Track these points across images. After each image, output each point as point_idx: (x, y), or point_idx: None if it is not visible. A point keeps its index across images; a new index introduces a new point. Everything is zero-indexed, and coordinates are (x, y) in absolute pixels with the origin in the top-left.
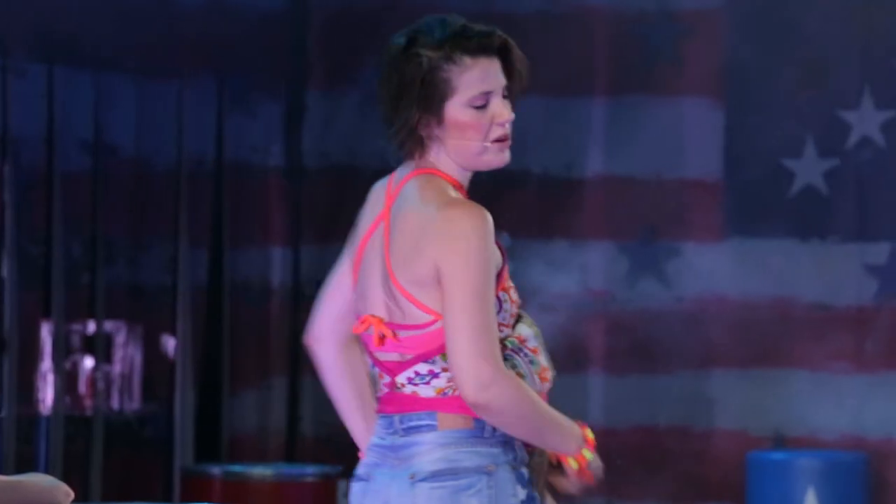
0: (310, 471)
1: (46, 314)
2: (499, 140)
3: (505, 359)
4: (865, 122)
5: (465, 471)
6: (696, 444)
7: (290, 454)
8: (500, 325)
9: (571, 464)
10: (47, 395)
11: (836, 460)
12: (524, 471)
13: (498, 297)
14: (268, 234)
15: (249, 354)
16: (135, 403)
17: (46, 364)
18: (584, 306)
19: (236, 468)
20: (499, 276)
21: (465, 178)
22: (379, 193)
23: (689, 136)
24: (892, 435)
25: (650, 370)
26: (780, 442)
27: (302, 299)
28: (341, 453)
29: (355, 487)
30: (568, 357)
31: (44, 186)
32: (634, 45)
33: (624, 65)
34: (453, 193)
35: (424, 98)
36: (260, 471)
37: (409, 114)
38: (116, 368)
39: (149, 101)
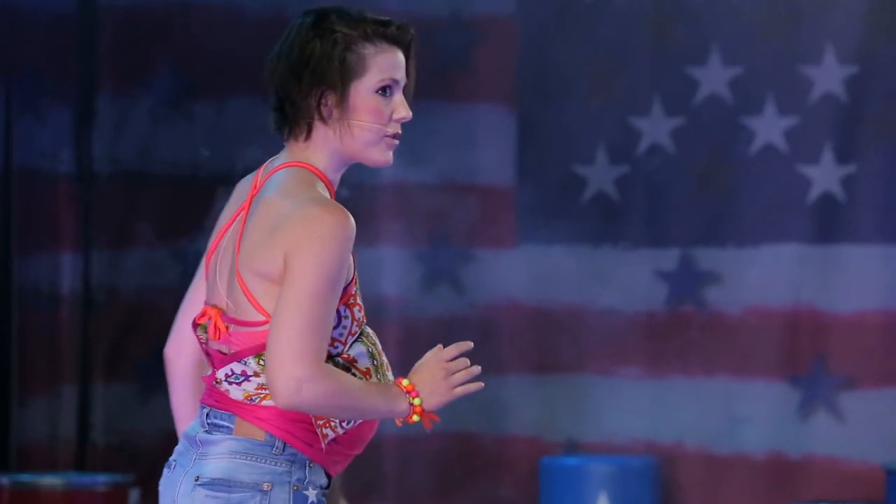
0: (101, 479)
1: None
2: (393, 136)
3: None
4: (655, 128)
5: (240, 485)
6: (490, 450)
7: (81, 463)
8: (334, 340)
9: (414, 419)
10: None
11: (627, 465)
12: (309, 493)
13: (338, 312)
14: (57, 240)
15: (39, 362)
16: None
17: None
18: (379, 313)
19: (25, 477)
20: (346, 288)
21: (336, 178)
22: (244, 186)
23: (481, 143)
24: (682, 439)
25: None
26: (573, 447)
27: (92, 305)
28: (132, 461)
29: (164, 473)
30: None
31: None
32: (426, 51)
33: (417, 70)
34: (321, 191)
35: (333, 73)
36: (50, 480)
37: (312, 89)
38: None
39: None
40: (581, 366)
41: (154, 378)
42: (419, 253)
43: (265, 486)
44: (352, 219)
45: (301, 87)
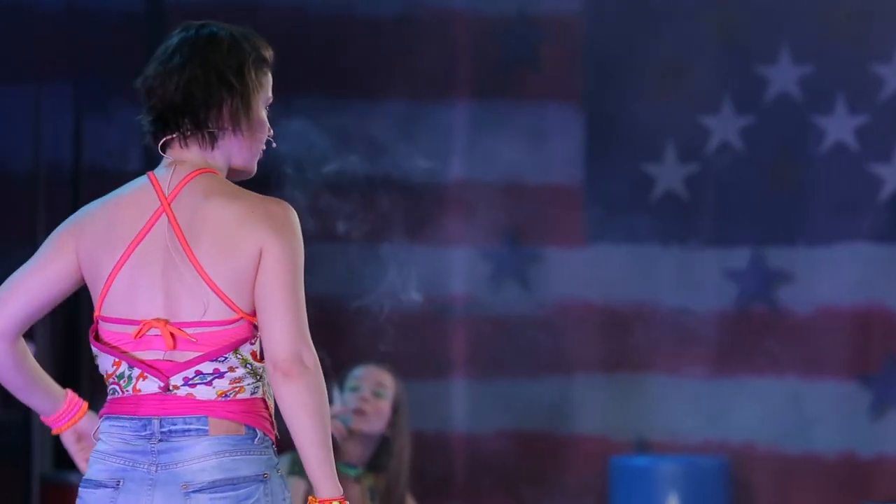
0: None
1: None
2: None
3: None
4: (725, 126)
5: (244, 480)
6: (559, 449)
7: None
8: None
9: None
10: None
11: (697, 465)
12: (282, 474)
13: None
14: None
15: None
16: None
17: None
18: (447, 312)
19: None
20: None
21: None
22: (142, 193)
23: (550, 141)
24: (752, 439)
25: (512, 376)
26: (643, 447)
27: None
28: None
29: (98, 494)
30: (430, 363)
31: None
32: (496, 50)
33: (485, 69)
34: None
35: (247, 89)
36: None
37: (225, 99)
38: None
39: (5, 107)
40: (650, 365)
41: None
42: (487, 252)
43: (265, 475)
44: None
45: (214, 97)
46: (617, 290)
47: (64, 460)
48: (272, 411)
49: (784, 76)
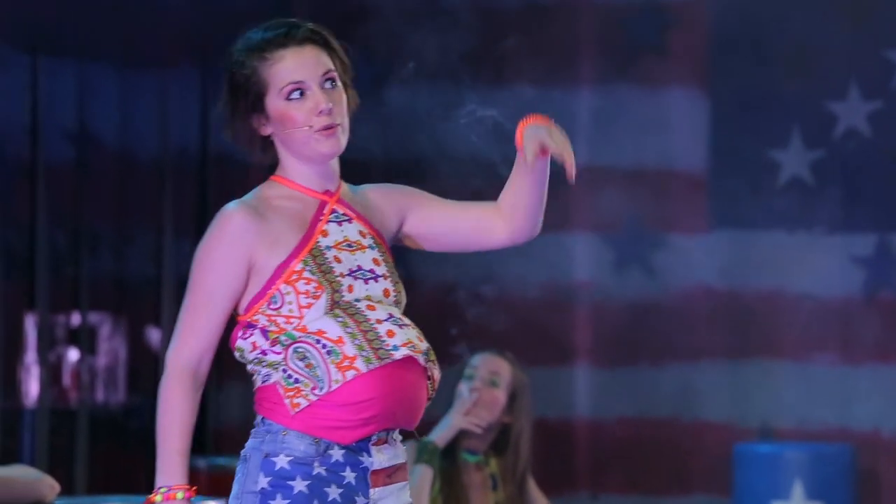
0: None
1: (31, 306)
2: (324, 129)
3: (296, 350)
4: (852, 112)
5: (242, 459)
6: (684, 436)
7: None
8: (287, 317)
9: (156, 498)
10: (32, 387)
11: (823, 452)
12: (278, 460)
13: (279, 291)
14: None
15: None
16: (120, 396)
17: (31, 356)
18: (570, 298)
19: (221, 460)
20: (282, 266)
21: (310, 175)
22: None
23: (674, 128)
24: (878, 427)
25: (636, 362)
26: (768, 434)
27: None
28: None
29: None
30: (555, 350)
31: (27, 177)
32: (619, 36)
33: (608, 55)
34: (249, 196)
35: (249, 97)
36: None
37: (245, 116)
38: (101, 361)
39: (132, 92)
40: (776, 352)
41: None
42: (611, 238)
43: (247, 455)
44: (239, 214)
45: (236, 117)
46: (742, 276)
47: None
48: (287, 394)
49: None
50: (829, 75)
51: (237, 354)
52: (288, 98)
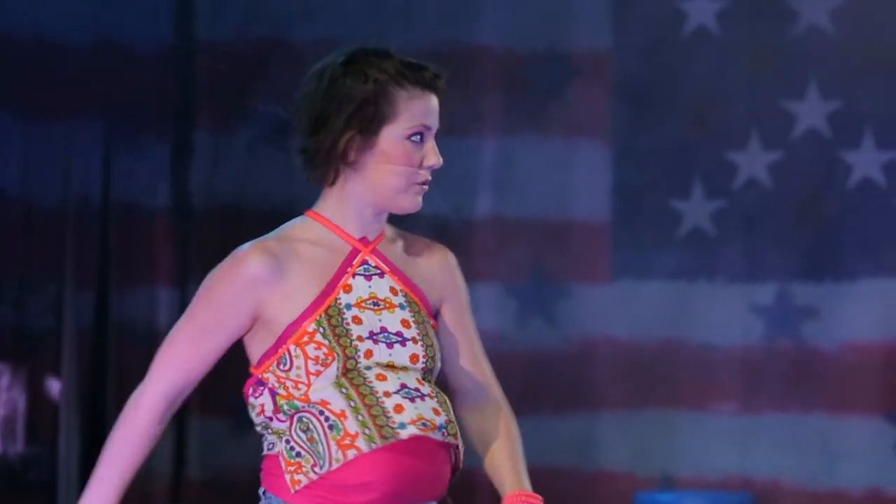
0: None
1: None
2: (423, 183)
3: (300, 420)
4: (752, 163)
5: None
6: (585, 485)
7: (176, 497)
8: (296, 382)
9: None
10: None
11: (723, 501)
12: (272, 496)
13: (289, 352)
14: (154, 274)
15: None
16: (18, 446)
17: None
18: None
19: None
20: (290, 329)
21: (354, 218)
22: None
23: (577, 177)
24: (778, 476)
25: (538, 411)
26: (668, 483)
27: None
28: (226, 497)
29: None
30: None
31: None
32: (524, 86)
33: (513, 105)
34: (274, 234)
35: (363, 117)
36: None
37: (340, 131)
38: (0, 411)
39: (35, 142)
40: (676, 401)
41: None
42: (514, 288)
43: (266, 492)
44: (256, 258)
45: (326, 129)
46: (643, 326)
47: None
48: (288, 468)
49: (812, 112)
50: (729, 125)
51: (249, 409)
52: (408, 138)
